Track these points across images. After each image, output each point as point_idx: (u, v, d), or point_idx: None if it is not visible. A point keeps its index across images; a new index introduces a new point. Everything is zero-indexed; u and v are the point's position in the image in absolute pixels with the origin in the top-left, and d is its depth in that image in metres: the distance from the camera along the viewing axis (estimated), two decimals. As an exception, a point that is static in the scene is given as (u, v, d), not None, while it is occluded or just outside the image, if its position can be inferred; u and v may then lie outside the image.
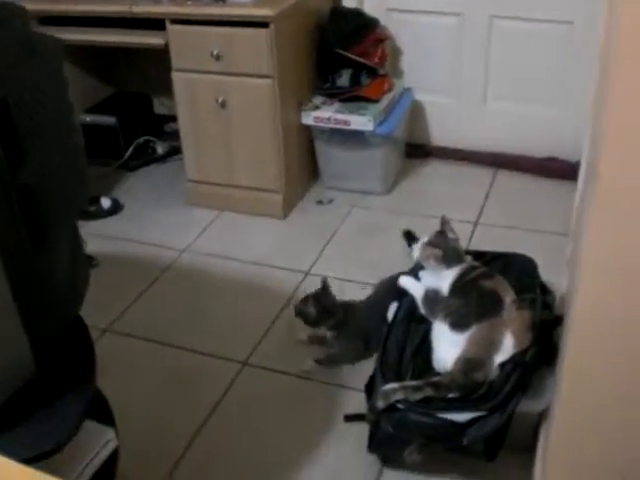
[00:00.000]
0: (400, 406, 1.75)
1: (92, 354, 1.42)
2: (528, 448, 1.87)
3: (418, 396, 1.74)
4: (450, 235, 2.07)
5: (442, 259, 2.00)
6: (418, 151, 3.52)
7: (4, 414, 1.21)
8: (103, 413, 1.53)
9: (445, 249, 2.02)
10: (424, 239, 2.08)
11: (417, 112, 3.47)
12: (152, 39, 2.97)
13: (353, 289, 2.62)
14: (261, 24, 2.75)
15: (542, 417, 1.86)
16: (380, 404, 1.76)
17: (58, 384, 1.32)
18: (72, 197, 1.34)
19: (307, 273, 2.75)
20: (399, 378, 1.84)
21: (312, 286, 2.56)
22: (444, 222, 2.10)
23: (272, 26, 2.74)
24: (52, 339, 1.31)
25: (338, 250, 2.89)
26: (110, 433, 1.47)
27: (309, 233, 3.02)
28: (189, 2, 2.87)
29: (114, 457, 1.48)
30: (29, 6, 2.98)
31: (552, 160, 3.29)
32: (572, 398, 1.55)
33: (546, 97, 3.25)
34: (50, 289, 1.27)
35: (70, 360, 1.38)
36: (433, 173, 3.42)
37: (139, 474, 1.92)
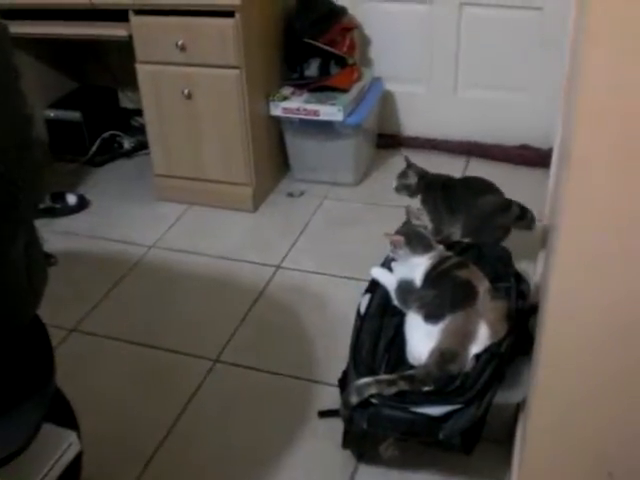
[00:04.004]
0: (374, 401, 1.70)
1: (51, 356, 1.36)
2: (506, 439, 1.85)
3: (392, 390, 1.70)
4: (415, 222, 2.06)
5: (406, 244, 1.96)
6: (389, 141, 3.48)
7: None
8: (65, 416, 1.47)
9: (407, 235, 1.98)
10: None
11: (387, 102, 3.43)
12: (115, 31, 2.90)
13: (324, 282, 2.58)
14: (227, 13, 2.69)
15: (519, 408, 1.83)
16: (353, 399, 1.71)
17: (14, 388, 1.25)
18: (26, 191, 1.27)
19: (278, 267, 2.70)
20: (372, 372, 1.79)
21: (283, 279, 2.55)
22: (408, 212, 2.09)
23: (238, 15, 2.68)
24: (6, 341, 1.25)
25: (310, 243, 2.85)
26: (72, 436, 1.40)
27: (280, 226, 2.97)
28: (152, -9, 2.80)
29: (77, 461, 1.42)
30: (-12, 0, 2.87)
31: (524, 148, 3.27)
32: (549, 388, 1.52)
33: (517, 84, 3.22)
34: (2, 289, 1.21)
35: (27, 363, 1.32)
36: (404, 163, 3.37)
37: (108, 476, 1.87)
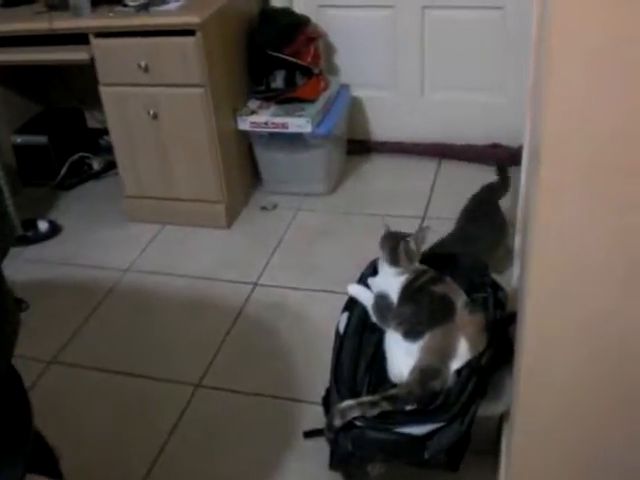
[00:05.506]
0: (358, 423, 1.69)
1: (27, 404, 1.34)
2: (491, 451, 1.85)
3: (375, 411, 1.68)
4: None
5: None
6: (359, 147, 3.48)
7: None
8: (47, 463, 1.45)
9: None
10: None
11: (356, 108, 3.42)
12: (77, 54, 2.86)
13: (303, 297, 2.57)
14: (187, 32, 2.67)
15: (503, 419, 1.83)
16: (337, 422, 1.70)
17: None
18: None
19: (255, 284, 2.68)
20: (354, 393, 1.78)
21: (261, 296, 2.52)
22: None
23: (199, 33, 2.67)
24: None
25: (286, 257, 2.83)
26: (56, 486, 1.39)
27: (255, 241, 2.95)
28: (111, 14, 2.77)
29: (63, 510, 1.41)
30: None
31: (495, 147, 3.27)
32: (530, 397, 1.52)
33: (483, 84, 3.23)
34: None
35: (3, 415, 1.30)
36: (376, 169, 3.38)
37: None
